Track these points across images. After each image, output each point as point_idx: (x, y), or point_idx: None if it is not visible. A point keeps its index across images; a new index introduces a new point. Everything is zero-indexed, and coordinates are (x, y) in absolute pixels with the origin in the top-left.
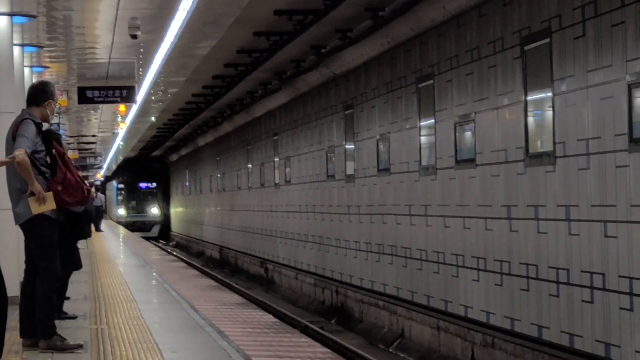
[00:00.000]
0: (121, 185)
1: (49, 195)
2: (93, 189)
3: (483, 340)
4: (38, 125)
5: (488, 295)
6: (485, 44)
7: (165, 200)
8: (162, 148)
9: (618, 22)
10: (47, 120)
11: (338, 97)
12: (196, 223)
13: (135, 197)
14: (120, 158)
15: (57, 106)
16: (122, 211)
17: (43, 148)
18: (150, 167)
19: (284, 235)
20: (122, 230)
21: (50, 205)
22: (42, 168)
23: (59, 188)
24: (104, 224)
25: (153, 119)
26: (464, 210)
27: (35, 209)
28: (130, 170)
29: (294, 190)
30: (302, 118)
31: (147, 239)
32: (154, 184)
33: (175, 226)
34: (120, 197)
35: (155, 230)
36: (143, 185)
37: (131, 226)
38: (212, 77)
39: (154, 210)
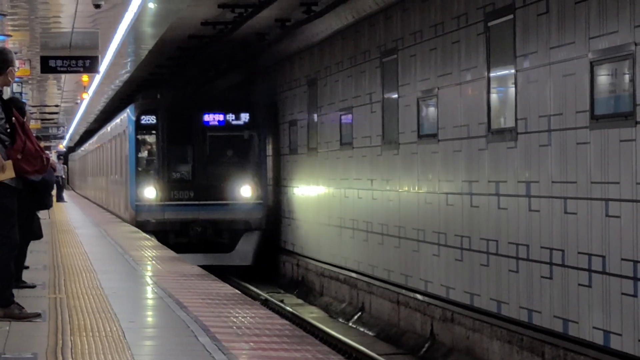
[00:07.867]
0: (150, 119)
1: (8, 163)
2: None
3: (442, 315)
4: None
5: (448, 270)
6: (450, 20)
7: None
8: None
9: None
10: (8, 85)
11: (302, 70)
12: None
13: (191, 154)
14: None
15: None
16: (150, 193)
17: (3, 116)
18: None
19: None
20: (84, 202)
21: (9, 173)
22: (2, 136)
23: (19, 157)
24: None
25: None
26: (426, 185)
27: None
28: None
29: None
30: None
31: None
32: (245, 117)
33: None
34: (144, 154)
35: (246, 250)
36: (213, 118)
37: (178, 234)
38: (177, 49)
39: (245, 192)
